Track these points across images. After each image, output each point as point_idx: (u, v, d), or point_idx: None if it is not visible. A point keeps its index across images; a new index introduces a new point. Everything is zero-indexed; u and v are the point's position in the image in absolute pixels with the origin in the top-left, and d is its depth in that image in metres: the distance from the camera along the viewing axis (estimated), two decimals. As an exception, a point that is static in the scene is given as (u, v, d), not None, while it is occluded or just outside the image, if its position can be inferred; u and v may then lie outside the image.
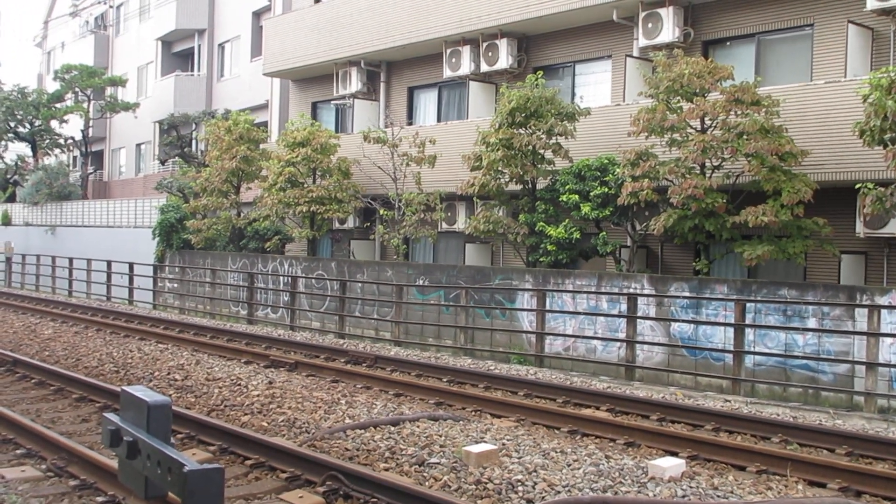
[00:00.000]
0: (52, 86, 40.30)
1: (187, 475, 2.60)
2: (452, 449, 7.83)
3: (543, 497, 6.62)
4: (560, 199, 16.17)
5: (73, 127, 39.70)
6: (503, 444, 8.11)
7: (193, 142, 33.76)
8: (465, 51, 20.45)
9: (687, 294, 13.70)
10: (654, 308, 14.13)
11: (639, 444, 8.80)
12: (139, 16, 40.39)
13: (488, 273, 16.91)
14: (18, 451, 7.68)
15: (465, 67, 20.50)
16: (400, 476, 7.03)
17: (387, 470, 7.25)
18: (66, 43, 47.03)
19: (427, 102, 23.30)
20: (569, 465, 7.48)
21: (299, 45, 25.08)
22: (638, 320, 14.01)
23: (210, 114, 30.98)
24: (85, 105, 38.32)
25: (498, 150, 16.43)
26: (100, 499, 6.39)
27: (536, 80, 16.77)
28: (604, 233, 15.96)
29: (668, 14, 16.64)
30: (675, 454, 8.25)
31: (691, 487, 6.97)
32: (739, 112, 13.74)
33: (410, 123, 22.32)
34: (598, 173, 15.73)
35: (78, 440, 7.99)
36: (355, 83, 23.65)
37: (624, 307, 14.19)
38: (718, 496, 6.83)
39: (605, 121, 16.86)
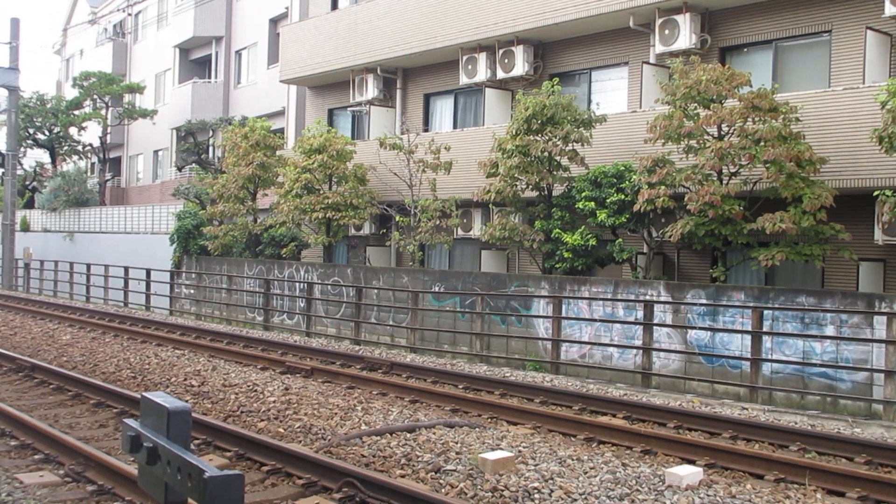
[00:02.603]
0: (70, 93, 40.64)
1: (208, 481, 2.61)
2: (468, 456, 7.82)
3: (560, 505, 6.60)
4: (576, 206, 16.15)
5: (91, 133, 40.04)
6: (519, 452, 8.09)
7: (210, 148, 33.96)
8: (482, 58, 20.48)
9: (704, 301, 13.64)
10: (670, 315, 14.07)
11: (656, 451, 8.75)
12: (157, 23, 40.68)
13: (504, 280, 16.89)
14: (36, 457, 7.73)
15: (482, 74, 20.53)
16: (416, 483, 7.02)
17: (403, 476, 7.24)
18: (85, 50, 47.47)
19: (443, 109, 23.34)
20: (585, 473, 7.45)
21: (316, 52, 25.18)
22: (654, 327, 13.95)
23: (227, 120, 31.14)
24: (103, 112, 38.63)
25: (514, 156, 16.44)
26: (118, 504, 6.43)
27: (553, 86, 16.76)
28: (620, 240, 15.92)
29: (684, 21, 16.60)
30: (692, 462, 8.20)
31: (709, 496, 6.93)
32: (757, 119, 13.68)
33: (426, 130, 22.36)
34: (615, 180, 15.71)
35: (95, 445, 8.03)
36: (371, 90, 23.72)
37: (640, 314, 14.13)
38: (736, 505, 6.79)
39: (621, 128, 16.84)
